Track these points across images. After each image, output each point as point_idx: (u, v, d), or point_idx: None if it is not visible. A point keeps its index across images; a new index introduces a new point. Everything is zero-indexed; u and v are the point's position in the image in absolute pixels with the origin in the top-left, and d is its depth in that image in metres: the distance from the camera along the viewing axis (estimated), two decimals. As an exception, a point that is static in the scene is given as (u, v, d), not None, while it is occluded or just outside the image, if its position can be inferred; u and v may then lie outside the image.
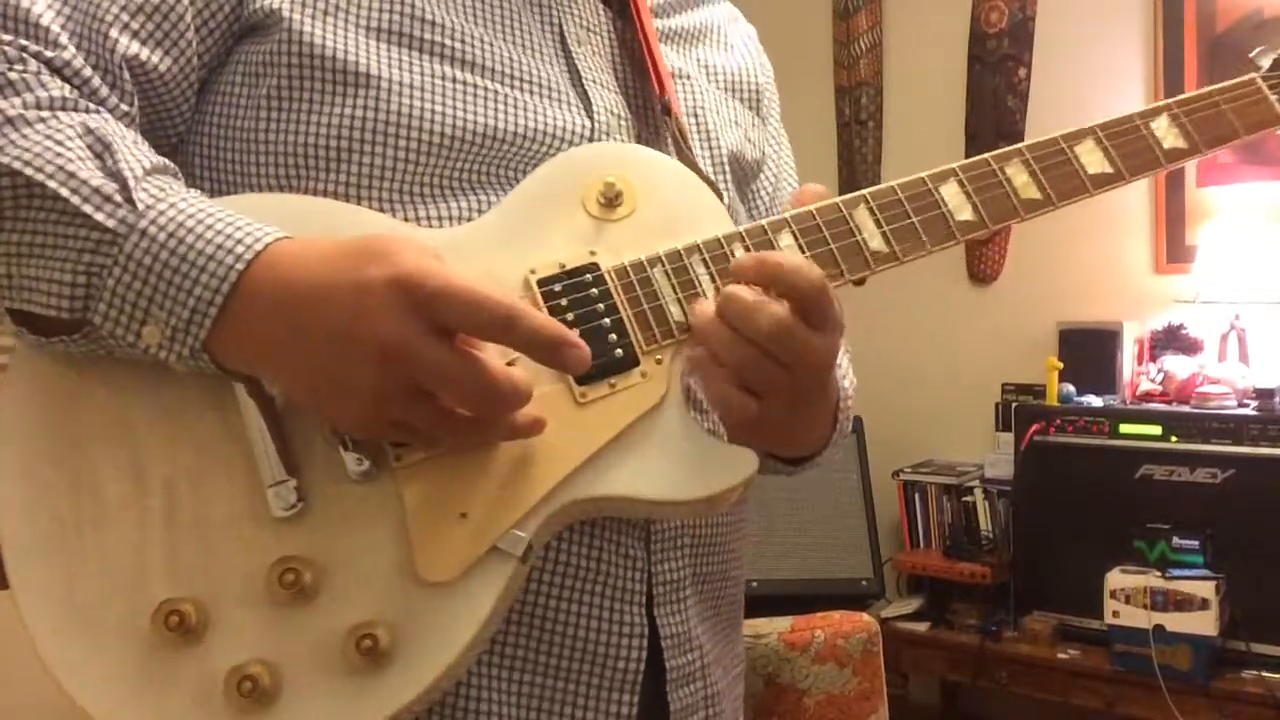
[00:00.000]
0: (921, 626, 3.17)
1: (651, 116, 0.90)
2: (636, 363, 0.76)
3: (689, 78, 0.96)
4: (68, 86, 0.74)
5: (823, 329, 0.74)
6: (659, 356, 0.76)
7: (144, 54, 0.78)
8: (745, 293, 0.73)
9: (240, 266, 0.68)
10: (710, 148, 0.94)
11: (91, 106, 0.74)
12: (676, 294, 0.78)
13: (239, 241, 0.69)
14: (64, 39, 0.75)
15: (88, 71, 0.75)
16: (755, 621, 1.69)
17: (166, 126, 0.82)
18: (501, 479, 0.72)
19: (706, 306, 0.75)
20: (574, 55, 0.88)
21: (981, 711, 3.38)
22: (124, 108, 0.77)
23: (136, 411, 0.74)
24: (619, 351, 0.76)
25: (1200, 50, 3.12)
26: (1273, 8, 3.03)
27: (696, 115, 0.95)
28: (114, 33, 0.76)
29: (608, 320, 0.76)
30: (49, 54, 0.74)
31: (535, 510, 0.72)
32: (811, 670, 1.75)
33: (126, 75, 0.77)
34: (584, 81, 0.88)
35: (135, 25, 0.77)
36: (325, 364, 0.68)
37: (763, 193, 1.04)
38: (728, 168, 0.95)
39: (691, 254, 0.78)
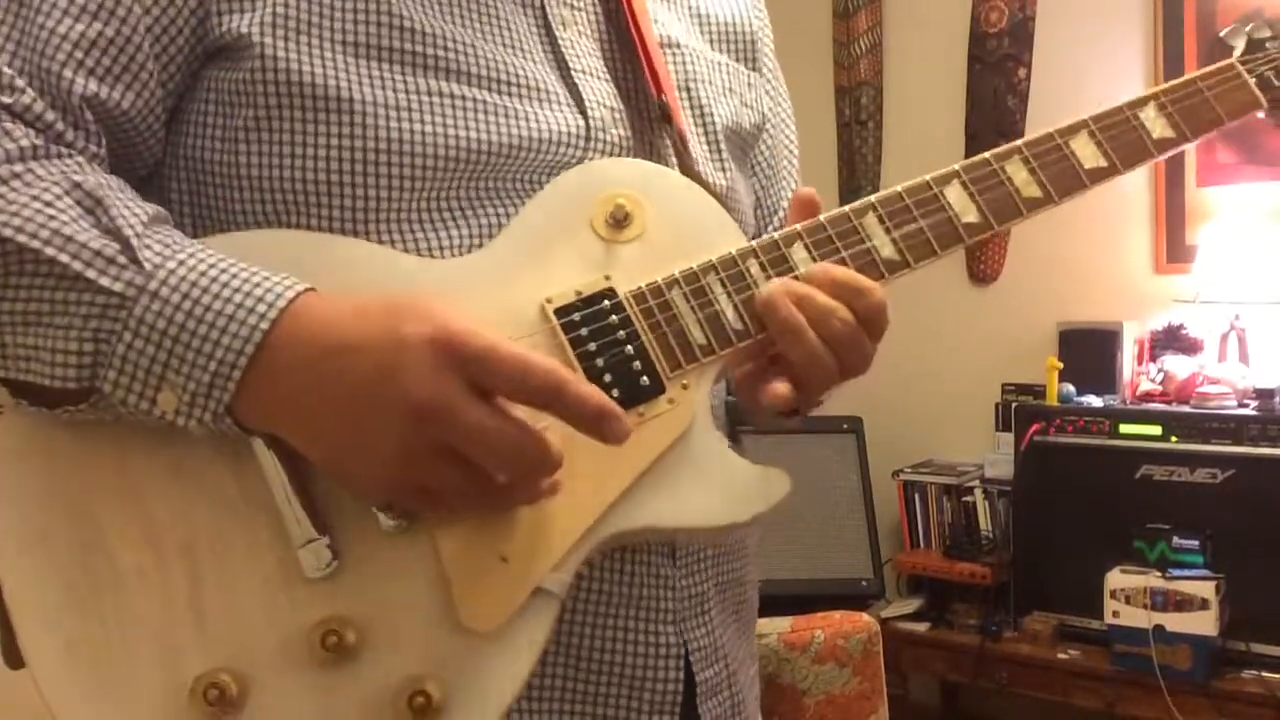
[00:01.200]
0: (921, 626, 3.17)
1: (645, 101, 0.88)
2: (663, 390, 0.74)
3: (679, 47, 0.93)
4: (32, 132, 0.70)
5: (875, 340, 0.78)
6: (685, 381, 0.75)
7: (103, 92, 0.73)
8: (821, 295, 0.76)
9: (264, 326, 0.65)
10: (704, 124, 0.92)
11: (64, 152, 0.71)
12: (697, 315, 0.76)
13: (260, 299, 0.66)
14: (20, 82, 0.70)
15: (50, 115, 0.71)
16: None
17: (134, 160, 0.77)
18: (538, 520, 0.70)
19: (790, 309, 0.76)
20: (560, 42, 0.85)
21: (981, 711, 3.37)
22: (92, 148, 0.73)
23: (146, 472, 0.70)
24: (645, 380, 0.74)
25: (1200, 50, 3.12)
26: (1273, 8, 3.03)
27: (689, 89, 0.92)
28: (68, 72, 0.71)
29: (630, 348, 0.75)
30: (7, 100, 0.70)
31: (576, 548, 0.71)
32: (811, 670, 1.75)
33: (89, 115, 0.73)
34: (573, 74, 0.84)
35: (90, 62, 0.72)
36: (347, 422, 0.65)
37: (760, 159, 1.01)
38: (723, 144, 0.93)
39: (708, 273, 0.77)
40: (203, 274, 0.67)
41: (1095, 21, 3.30)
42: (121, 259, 0.66)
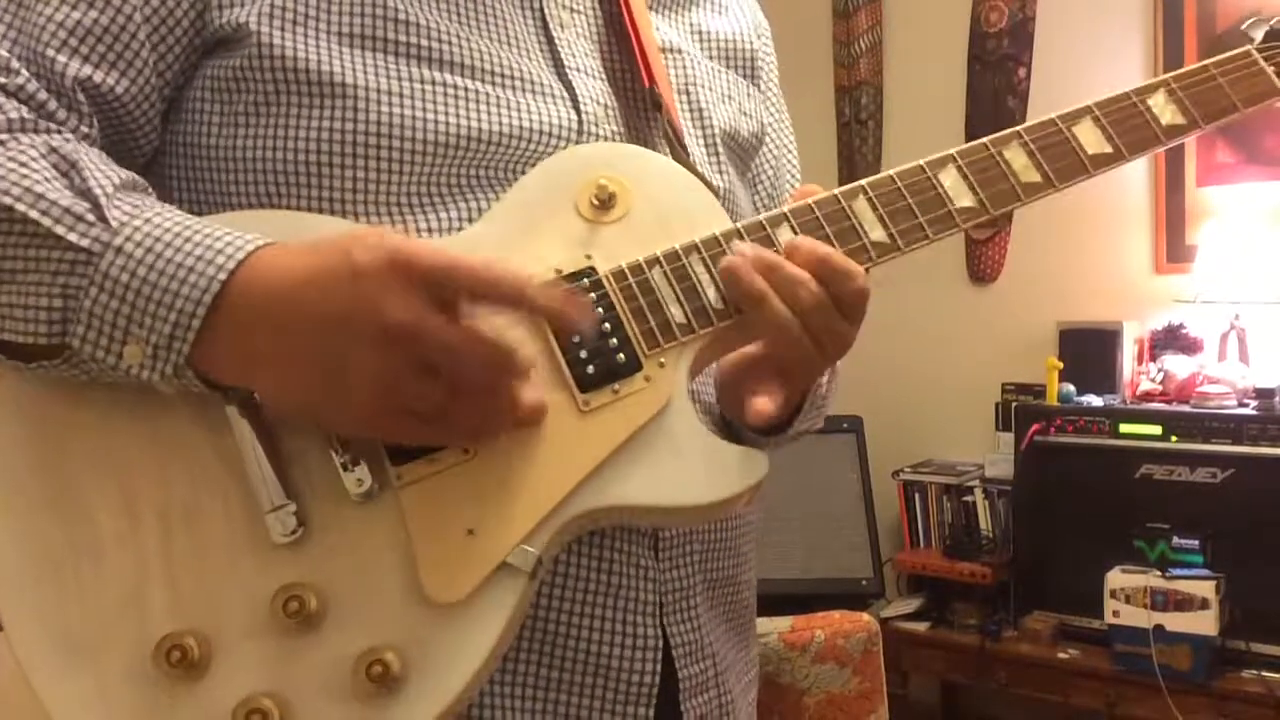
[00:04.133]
0: (921, 626, 3.17)
1: (641, 102, 0.89)
2: (639, 367, 0.74)
3: (679, 52, 0.94)
4: (24, 109, 0.72)
5: (853, 321, 0.77)
6: (662, 360, 0.75)
7: (97, 76, 0.75)
8: (790, 265, 0.75)
9: (222, 277, 0.66)
10: (703, 126, 0.92)
11: (52, 127, 0.73)
12: (677, 294, 0.76)
13: (219, 252, 0.67)
14: (15, 64, 0.73)
15: (43, 95, 0.73)
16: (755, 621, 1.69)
17: (131, 148, 0.80)
18: (508, 493, 0.71)
19: (753, 277, 0.75)
20: (556, 41, 0.86)
21: (981, 711, 3.38)
22: (84, 129, 0.75)
23: (126, 439, 0.71)
24: (620, 356, 0.74)
25: (1200, 50, 3.12)
26: (1273, 7, 3.03)
27: (688, 93, 0.92)
28: (62, 57, 0.74)
29: (607, 325, 0.75)
30: (2, 79, 0.72)
31: (544, 523, 0.71)
32: (811, 670, 1.75)
33: (82, 96, 0.75)
34: (567, 70, 0.85)
35: (85, 49, 0.75)
36: (320, 359, 0.66)
37: (763, 175, 1.02)
38: (721, 147, 0.93)
39: (690, 253, 0.77)
40: (166, 230, 0.68)
41: (1095, 21, 3.30)
42: (90, 217, 0.68)
